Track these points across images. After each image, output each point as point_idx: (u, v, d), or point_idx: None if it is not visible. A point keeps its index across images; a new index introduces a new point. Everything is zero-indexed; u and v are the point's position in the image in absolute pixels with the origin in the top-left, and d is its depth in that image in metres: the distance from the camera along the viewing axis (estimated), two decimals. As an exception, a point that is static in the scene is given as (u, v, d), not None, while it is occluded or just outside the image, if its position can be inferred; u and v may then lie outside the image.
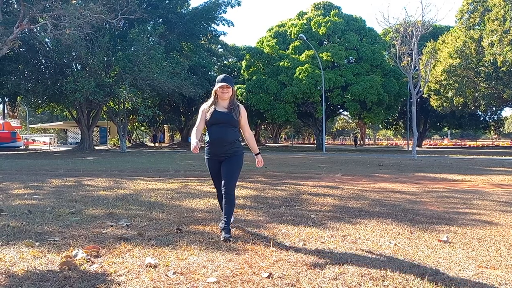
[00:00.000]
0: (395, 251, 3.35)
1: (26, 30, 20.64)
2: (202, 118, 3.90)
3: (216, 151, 3.88)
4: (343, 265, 2.98)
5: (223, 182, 3.79)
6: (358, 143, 47.08)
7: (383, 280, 2.68)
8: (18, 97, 30.48)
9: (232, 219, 3.97)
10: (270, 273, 2.78)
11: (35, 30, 21.47)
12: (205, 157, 3.98)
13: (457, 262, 3.09)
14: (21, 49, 23.29)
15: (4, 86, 24.15)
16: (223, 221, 3.80)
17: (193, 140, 3.72)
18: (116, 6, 21.38)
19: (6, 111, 40.82)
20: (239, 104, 3.98)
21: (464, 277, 2.77)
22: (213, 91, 3.94)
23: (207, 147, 3.92)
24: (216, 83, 3.89)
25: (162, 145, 44.90)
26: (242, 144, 4.08)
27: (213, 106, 3.89)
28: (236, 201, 5.86)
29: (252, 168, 12.44)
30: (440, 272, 2.84)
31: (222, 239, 3.64)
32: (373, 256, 3.19)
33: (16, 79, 24.45)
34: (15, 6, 22.64)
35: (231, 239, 3.63)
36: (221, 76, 3.92)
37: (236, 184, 4.00)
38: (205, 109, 3.94)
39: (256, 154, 4.10)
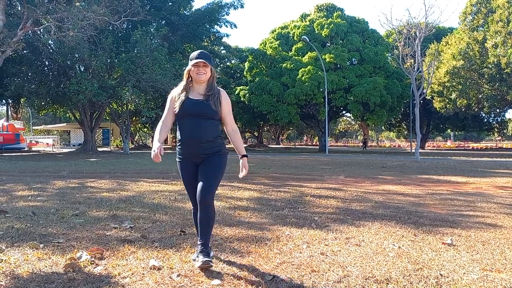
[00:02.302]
0: (399, 253, 3.34)
1: (29, 32, 20.73)
2: (169, 109, 3.05)
3: (190, 152, 3.02)
4: (347, 268, 2.97)
5: (199, 187, 2.93)
6: (361, 144, 46.99)
7: (387, 283, 2.68)
8: (22, 99, 30.62)
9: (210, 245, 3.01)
10: (274, 276, 2.78)
11: (38, 32, 21.57)
12: (177, 159, 3.11)
13: (462, 265, 3.08)
14: (24, 51, 23.38)
15: (7, 88, 24.27)
16: (199, 242, 2.95)
17: (155, 143, 2.92)
18: (119, 8, 21.44)
19: (9, 113, 40.93)
20: (221, 89, 3.09)
21: (469, 280, 2.76)
22: (185, 72, 3.04)
23: (179, 147, 3.07)
24: (189, 62, 3.02)
25: (166, 146, 44.97)
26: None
27: (185, 92, 3.01)
28: (239, 203, 5.89)
29: (255, 169, 12.43)
30: (444, 275, 2.83)
31: (199, 265, 2.83)
32: (377, 259, 3.19)
33: (19, 81, 24.57)
34: (19, 8, 22.74)
35: (212, 263, 2.86)
36: (195, 52, 3.02)
37: (216, 192, 3.13)
38: (174, 97, 3.07)
39: (242, 157, 3.15)
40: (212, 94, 2.99)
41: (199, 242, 2.95)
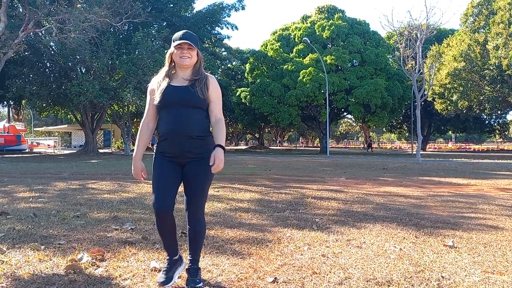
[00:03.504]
0: (400, 255, 3.34)
1: (31, 34, 20.78)
2: (150, 104, 2.63)
3: (174, 151, 2.54)
4: (348, 270, 2.97)
5: (187, 203, 2.61)
6: (363, 146, 46.89)
7: (389, 285, 2.67)
8: (23, 101, 30.69)
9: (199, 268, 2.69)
10: (275, 278, 2.78)
11: (40, 34, 21.64)
12: (155, 155, 2.63)
13: (463, 267, 3.07)
14: (26, 53, 23.46)
15: (9, 90, 24.33)
16: (189, 261, 2.67)
17: (134, 157, 2.64)
18: (121, 10, 21.49)
19: (11, 114, 41.00)
20: (209, 74, 2.68)
21: (470, 282, 2.75)
22: (167, 56, 2.63)
23: (160, 145, 2.61)
24: (172, 43, 2.60)
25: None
26: None
27: (167, 79, 2.59)
28: (240, 205, 5.89)
29: (256, 171, 12.43)
30: (446, 277, 2.83)
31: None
32: (378, 261, 3.18)
33: (21, 83, 24.63)
34: (21, 10, 22.81)
35: None
36: (179, 32, 2.60)
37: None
38: (154, 88, 2.63)
39: (216, 146, 2.50)
40: (199, 79, 2.58)
41: (189, 258, 2.66)
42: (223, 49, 39.33)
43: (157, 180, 2.58)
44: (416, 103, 19.31)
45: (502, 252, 3.48)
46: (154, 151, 2.65)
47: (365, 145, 47.71)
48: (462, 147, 52.19)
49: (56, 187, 8.01)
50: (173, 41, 2.59)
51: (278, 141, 67.79)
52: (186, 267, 2.69)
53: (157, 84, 2.62)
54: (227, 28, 31.30)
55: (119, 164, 16.04)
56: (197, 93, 2.52)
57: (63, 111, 32.02)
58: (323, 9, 35.60)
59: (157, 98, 2.56)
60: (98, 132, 33.23)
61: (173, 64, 2.62)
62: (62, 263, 3.05)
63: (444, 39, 31.33)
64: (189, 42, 2.53)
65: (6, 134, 31.47)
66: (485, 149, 46.76)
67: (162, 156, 2.60)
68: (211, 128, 2.68)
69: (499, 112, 33.68)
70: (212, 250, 3.43)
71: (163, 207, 2.53)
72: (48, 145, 42.36)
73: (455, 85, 27.96)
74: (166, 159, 2.58)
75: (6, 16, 17.80)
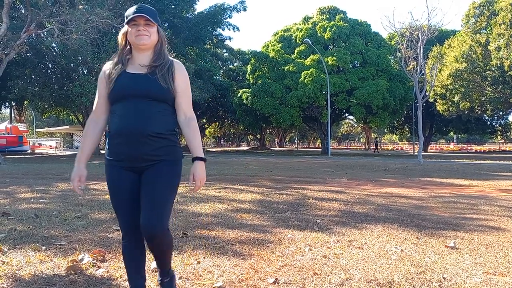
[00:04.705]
0: (401, 257, 3.33)
1: (33, 35, 20.82)
2: (101, 94, 2.14)
3: (127, 153, 2.04)
4: (349, 271, 2.96)
5: (144, 216, 2.01)
6: (365, 147, 46.80)
7: (390, 287, 2.67)
8: (25, 102, 30.77)
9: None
10: (276, 279, 2.77)
11: (42, 35, 21.69)
12: (105, 162, 2.13)
13: (465, 268, 3.06)
14: (28, 54, 23.49)
15: (11, 91, 24.41)
16: (159, 274, 2.30)
17: (76, 162, 2.15)
18: (122, 11, 21.47)
19: (13, 115, 41.12)
20: (175, 60, 2.19)
21: (472, 283, 2.74)
22: (120, 35, 2.13)
23: (109, 145, 2.10)
24: (125, 20, 2.07)
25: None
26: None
27: (121, 65, 2.10)
28: (241, 206, 5.89)
29: (257, 172, 12.43)
30: (447, 279, 2.82)
31: None
32: (379, 262, 3.17)
33: (23, 84, 24.70)
34: (23, 11, 22.86)
35: None
36: (132, 8, 2.05)
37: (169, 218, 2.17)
38: (105, 75, 2.13)
39: (195, 159, 2.13)
40: (161, 65, 2.08)
41: (158, 272, 2.29)
42: (224, 50, 39.37)
43: (117, 206, 2.15)
44: (417, 104, 19.30)
45: (504, 253, 3.47)
46: (105, 154, 2.15)
47: (373, 146, 47.53)
48: (464, 148, 52.12)
49: (58, 188, 8.02)
50: (126, 17, 2.06)
51: (276, 142, 67.74)
52: (158, 281, 2.31)
53: (109, 71, 2.12)
54: (229, 29, 31.36)
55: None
56: (158, 81, 2.03)
57: (65, 112, 32.10)
58: (324, 10, 35.63)
59: (109, 86, 2.07)
60: (100, 133, 33.25)
61: (128, 46, 2.13)
62: (63, 263, 3.05)
63: (446, 40, 31.32)
64: (146, 15, 2.02)
65: (8, 135, 31.55)
66: (487, 150, 46.69)
67: (114, 164, 2.09)
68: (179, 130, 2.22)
69: (500, 113, 33.67)
70: (213, 251, 3.42)
71: (128, 231, 2.16)
72: (50, 146, 42.42)
73: (457, 86, 27.93)
74: (120, 169, 2.08)
75: (8, 17, 17.84)
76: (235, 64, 45.79)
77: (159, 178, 2.05)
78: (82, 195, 2.39)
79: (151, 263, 3.05)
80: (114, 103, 2.08)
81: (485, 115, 34.76)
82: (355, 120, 43.39)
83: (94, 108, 2.19)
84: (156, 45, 2.13)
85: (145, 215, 2.01)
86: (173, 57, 2.22)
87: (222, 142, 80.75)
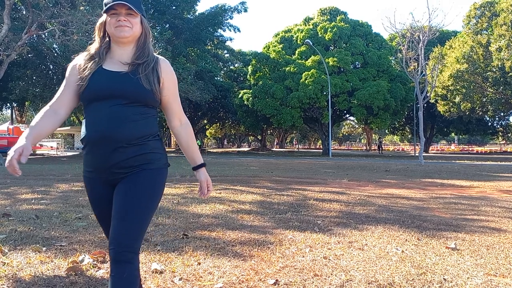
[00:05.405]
0: (402, 258, 3.32)
1: (34, 36, 20.87)
2: (67, 84, 1.82)
3: (98, 163, 1.76)
4: (350, 272, 2.96)
5: (112, 232, 1.68)
6: (366, 148, 46.76)
7: (391, 288, 2.66)
8: (26, 102, 30.84)
9: None
10: (277, 280, 2.77)
11: (43, 36, 21.71)
12: (83, 173, 1.87)
13: (466, 269, 3.05)
14: (29, 55, 23.53)
15: (12, 92, 24.45)
16: None
17: (20, 138, 1.67)
18: (124, 12, 21.56)
19: (14, 116, 41.17)
20: (161, 57, 1.90)
21: (473, 285, 2.74)
22: (97, 26, 1.87)
23: (85, 154, 1.82)
24: (104, 7, 1.80)
25: (168, 150, 45.03)
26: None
27: (97, 59, 1.81)
28: (242, 207, 5.88)
29: (258, 173, 12.43)
30: (448, 280, 2.81)
31: None
32: (380, 263, 3.17)
33: (24, 85, 24.75)
34: (24, 12, 22.90)
35: None
36: None
37: (143, 236, 1.79)
38: (78, 67, 1.83)
39: (197, 168, 1.96)
40: (145, 63, 1.80)
41: None
42: (225, 51, 39.38)
43: (99, 218, 1.91)
44: (418, 105, 19.29)
45: (505, 255, 3.46)
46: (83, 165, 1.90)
47: (374, 147, 47.45)
48: (465, 149, 52.05)
49: (59, 188, 8.03)
50: (105, 5, 1.79)
51: (275, 143, 67.70)
52: None
53: (83, 64, 1.82)
54: (230, 30, 31.40)
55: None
56: (140, 81, 1.75)
57: (66, 113, 32.12)
58: (325, 11, 35.63)
59: (82, 83, 1.77)
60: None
61: (107, 38, 1.85)
62: (63, 264, 3.05)
63: (447, 41, 31.31)
64: (127, 4, 1.75)
65: (9, 136, 31.57)
66: (488, 151, 46.61)
67: (90, 177, 1.83)
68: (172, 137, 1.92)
69: (502, 114, 33.62)
70: (213, 252, 3.42)
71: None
72: (51, 147, 42.42)
73: (458, 87, 27.91)
74: (93, 181, 1.82)
75: (9, 19, 17.87)
76: (236, 65, 45.82)
77: (132, 189, 1.73)
78: (19, 174, 1.58)
79: (151, 264, 3.05)
80: (87, 104, 1.78)
81: (486, 116, 34.73)
82: (356, 121, 43.39)
83: (54, 98, 1.82)
84: (139, 38, 1.85)
85: (113, 229, 1.68)
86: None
87: (225, 143, 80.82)
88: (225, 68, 43.82)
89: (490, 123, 41.33)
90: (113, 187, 1.79)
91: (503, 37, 24.08)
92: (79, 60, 1.85)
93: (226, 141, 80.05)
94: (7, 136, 31.38)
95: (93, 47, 1.86)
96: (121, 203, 1.71)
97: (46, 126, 1.77)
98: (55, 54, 24.25)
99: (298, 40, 34.40)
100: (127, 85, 1.74)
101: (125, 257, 1.64)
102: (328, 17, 34.82)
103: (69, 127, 45.76)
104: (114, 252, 1.64)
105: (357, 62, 32.65)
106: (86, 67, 1.80)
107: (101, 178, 1.79)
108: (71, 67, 1.84)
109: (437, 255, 3.43)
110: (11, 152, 1.62)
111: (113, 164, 1.73)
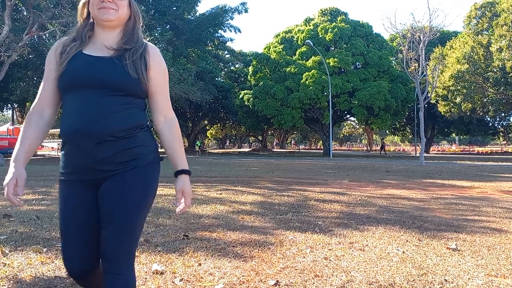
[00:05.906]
0: (403, 258, 3.32)
1: (35, 37, 20.90)
2: (48, 77, 1.62)
3: (78, 162, 1.56)
4: (350, 272, 2.95)
5: (105, 244, 1.53)
6: (366, 149, 46.74)
7: (391, 289, 2.66)
8: (27, 103, 30.80)
9: None
10: (277, 281, 2.77)
11: (44, 37, 21.74)
12: (60, 177, 1.62)
13: (466, 270, 3.05)
14: (30, 56, 23.58)
15: (13, 92, 24.47)
16: None
17: (11, 167, 1.54)
18: (124, 13, 21.58)
19: (15, 117, 41.21)
20: (150, 44, 1.70)
21: (474, 286, 2.73)
22: (79, 6, 1.65)
23: (63, 153, 1.61)
24: None
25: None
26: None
27: (79, 42, 1.61)
28: (243, 207, 5.88)
29: (259, 173, 12.43)
30: (449, 281, 2.81)
31: None
32: (381, 264, 3.17)
33: (25, 85, 24.78)
34: (25, 13, 22.94)
35: None
36: None
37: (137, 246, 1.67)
38: (56, 54, 1.62)
39: (179, 173, 1.72)
40: (132, 49, 1.60)
41: None
42: (226, 52, 39.45)
43: (63, 227, 1.61)
44: (419, 106, 19.29)
45: (506, 255, 3.46)
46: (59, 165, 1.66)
47: (375, 147, 47.39)
48: (466, 149, 52.03)
49: (59, 189, 8.02)
50: None
51: (275, 143, 67.64)
52: None
53: (61, 49, 1.62)
54: (230, 31, 31.47)
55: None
56: (126, 68, 1.55)
57: (66, 114, 32.16)
58: (326, 11, 35.63)
59: (60, 69, 1.57)
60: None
61: (90, 20, 1.65)
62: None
63: (447, 41, 31.29)
64: None
65: (10, 136, 31.60)
66: (489, 151, 46.58)
67: (65, 179, 1.61)
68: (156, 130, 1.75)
69: (503, 114, 33.62)
70: (214, 253, 3.42)
71: (77, 270, 1.62)
72: (52, 147, 42.48)
73: (459, 87, 27.90)
74: (72, 184, 1.59)
75: (10, 19, 17.90)
76: (237, 66, 45.86)
77: (122, 190, 1.54)
78: (21, 205, 1.50)
79: (152, 264, 3.05)
80: (65, 94, 1.57)
81: (487, 117, 34.72)
82: (356, 122, 43.40)
83: (37, 97, 1.64)
84: (127, 23, 1.65)
85: (106, 242, 1.53)
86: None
87: (227, 144, 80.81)
88: (225, 69, 43.88)
89: (491, 124, 41.31)
90: (95, 191, 1.58)
91: (503, 37, 24.06)
92: (56, 47, 1.64)
93: (228, 142, 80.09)
94: (8, 137, 31.43)
95: (74, 30, 1.67)
96: (110, 209, 1.53)
97: (33, 137, 1.61)
98: (56, 55, 24.32)
99: (299, 41, 34.41)
100: (110, 72, 1.54)
101: (120, 271, 1.53)
102: (329, 17, 34.82)
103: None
104: (108, 267, 1.53)
105: (357, 63, 32.65)
106: (65, 50, 1.60)
107: (83, 179, 1.57)
108: (48, 55, 1.64)
109: (438, 255, 3.43)
110: (5, 187, 1.51)
111: (99, 160, 1.52)
